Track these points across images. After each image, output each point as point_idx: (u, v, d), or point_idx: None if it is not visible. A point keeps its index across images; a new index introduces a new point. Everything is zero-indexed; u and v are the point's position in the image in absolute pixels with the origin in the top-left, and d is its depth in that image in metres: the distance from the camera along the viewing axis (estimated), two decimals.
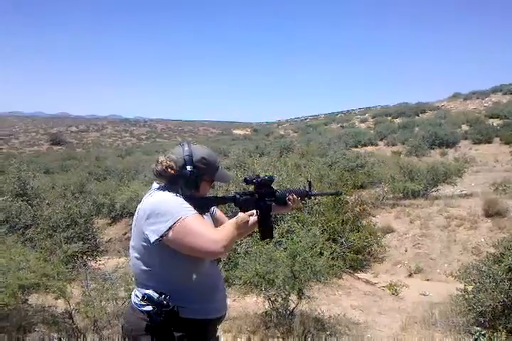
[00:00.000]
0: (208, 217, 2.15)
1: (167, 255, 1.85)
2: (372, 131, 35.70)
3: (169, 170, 1.92)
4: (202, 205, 2.00)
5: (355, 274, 7.95)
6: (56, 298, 4.50)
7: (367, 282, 7.66)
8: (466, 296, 4.78)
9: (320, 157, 17.29)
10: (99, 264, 6.28)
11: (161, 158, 1.96)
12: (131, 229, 2.01)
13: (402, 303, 6.39)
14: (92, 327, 4.44)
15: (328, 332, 4.67)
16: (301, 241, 4.83)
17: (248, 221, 1.97)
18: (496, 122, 30.48)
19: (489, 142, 25.06)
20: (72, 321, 4.40)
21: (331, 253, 5.19)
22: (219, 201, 2.18)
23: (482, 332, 3.86)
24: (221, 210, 2.34)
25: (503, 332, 3.93)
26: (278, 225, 6.14)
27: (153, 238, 1.81)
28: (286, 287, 4.58)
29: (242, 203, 2.05)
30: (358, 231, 8.38)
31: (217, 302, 2.00)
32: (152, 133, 74.98)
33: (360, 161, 15.71)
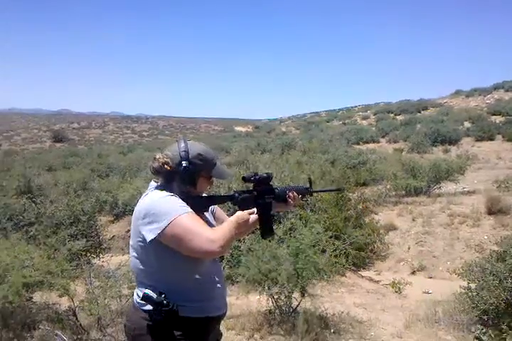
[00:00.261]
0: (209, 216, 2.16)
1: (164, 254, 1.85)
2: (374, 128, 35.63)
3: (165, 166, 1.92)
4: (200, 204, 2.00)
5: (358, 272, 7.95)
6: (60, 296, 4.53)
7: (370, 280, 7.66)
8: (470, 294, 4.77)
9: (322, 154, 17.27)
10: (103, 262, 6.29)
11: (158, 155, 1.97)
12: None
13: (405, 301, 6.39)
14: (96, 325, 4.46)
15: (331, 330, 4.68)
16: (303, 239, 4.83)
17: (248, 219, 1.97)
18: (498, 119, 30.41)
19: (491, 139, 24.99)
20: (76, 318, 4.42)
21: (333, 251, 5.19)
22: (217, 200, 2.18)
23: (483, 330, 3.86)
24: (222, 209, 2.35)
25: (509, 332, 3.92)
26: (280, 223, 6.14)
27: (149, 237, 1.81)
28: (289, 285, 4.58)
29: (240, 202, 2.05)
30: (361, 229, 8.38)
31: (217, 300, 2.01)
32: (154, 130, 74.97)
33: (362, 158, 15.70)
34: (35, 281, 4.07)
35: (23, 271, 4.05)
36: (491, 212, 9.56)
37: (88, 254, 6.79)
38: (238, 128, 67.64)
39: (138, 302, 1.93)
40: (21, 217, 7.29)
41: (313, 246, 4.81)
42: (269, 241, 4.89)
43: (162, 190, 1.93)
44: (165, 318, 1.82)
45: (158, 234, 1.79)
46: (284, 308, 4.88)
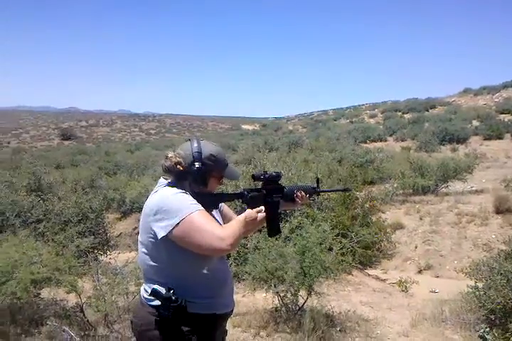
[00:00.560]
0: (217, 214, 2.17)
1: (174, 250, 1.86)
2: (381, 127, 35.49)
3: (178, 166, 1.93)
4: (210, 202, 2.01)
5: (365, 270, 7.94)
6: (67, 292, 4.56)
7: (376, 278, 7.65)
8: (477, 293, 4.75)
9: (329, 152, 17.24)
10: (110, 259, 6.32)
11: (170, 154, 1.97)
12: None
13: (411, 300, 6.37)
14: (103, 321, 4.50)
15: (337, 328, 4.68)
16: (310, 237, 4.83)
17: (256, 218, 1.97)
18: (507, 118, 30.19)
19: (500, 138, 24.80)
20: (84, 315, 4.46)
21: (340, 249, 5.19)
22: (227, 197, 2.18)
23: (487, 329, 3.84)
24: (229, 206, 2.35)
25: None
26: (288, 221, 6.14)
27: (160, 234, 1.82)
28: (296, 283, 4.58)
29: (249, 200, 2.05)
30: (368, 227, 8.37)
31: (225, 298, 2.02)
32: (161, 128, 75.19)
33: (369, 157, 15.65)
34: (43, 278, 4.11)
35: (31, 267, 4.08)
36: (499, 211, 9.50)
37: (96, 251, 6.83)
38: (245, 127, 67.65)
39: (145, 298, 1.94)
40: (29, 214, 7.34)
41: (320, 244, 4.81)
42: (276, 239, 4.90)
43: (173, 187, 1.94)
44: (173, 314, 1.83)
45: (170, 230, 1.80)
46: (290, 306, 4.89)
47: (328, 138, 27.23)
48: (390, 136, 31.24)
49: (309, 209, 7.39)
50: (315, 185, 2.40)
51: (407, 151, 20.90)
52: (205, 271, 1.93)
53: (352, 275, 6.97)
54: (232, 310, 2.09)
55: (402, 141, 27.93)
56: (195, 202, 1.87)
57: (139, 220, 2.05)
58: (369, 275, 7.76)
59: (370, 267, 8.41)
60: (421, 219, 10.03)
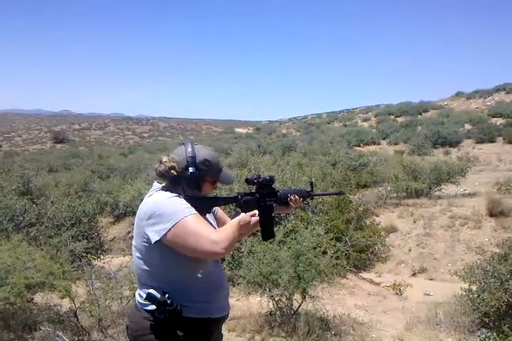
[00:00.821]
0: (211, 217, 2.17)
1: (168, 255, 1.85)
2: (374, 130, 35.61)
3: (172, 170, 1.93)
4: (204, 206, 2.01)
5: (359, 274, 7.95)
6: (61, 297, 4.52)
7: (371, 282, 7.66)
8: (471, 296, 4.78)
9: (323, 156, 17.26)
10: (103, 263, 6.29)
11: (164, 159, 1.97)
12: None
13: (406, 303, 6.39)
14: (97, 326, 4.47)
15: (332, 332, 4.68)
16: (304, 241, 4.83)
17: (250, 221, 1.98)
18: (498, 121, 30.41)
19: (492, 141, 25.00)
20: (77, 320, 4.43)
21: (334, 252, 5.20)
22: (221, 201, 2.18)
23: (488, 334, 3.86)
24: (224, 210, 2.35)
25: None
26: (281, 224, 6.14)
27: (154, 238, 1.82)
28: (290, 286, 4.58)
29: (243, 204, 2.06)
30: (362, 231, 8.39)
31: (220, 302, 2.01)
32: (155, 131, 75.09)
33: (363, 160, 15.68)
34: (36, 282, 4.07)
35: (25, 272, 4.05)
36: (491, 214, 9.56)
37: (89, 255, 6.79)
38: (239, 130, 67.64)
39: (140, 303, 1.93)
40: (22, 218, 7.29)
41: (314, 248, 4.81)
42: (270, 243, 4.90)
43: (167, 191, 1.94)
44: (168, 318, 1.82)
45: (164, 234, 1.80)
46: (284, 310, 4.88)
47: (321, 142, 27.27)
48: (383, 139, 31.35)
49: (303, 213, 7.40)
50: (309, 189, 2.41)
51: (400, 155, 20.97)
52: (199, 275, 1.93)
53: (346, 278, 6.97)
54: (227, 314, 2.09)
55: (395, 144, 28.04)
56: (189, 205, 1.87)
57: (132, 224, 2.04)
58: (363, 278, 7.77)
59: (365, 270, 8.42)
60: (414, 222, 10.07)
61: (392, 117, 44.35)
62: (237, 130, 68.74)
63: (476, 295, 4.69)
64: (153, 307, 1.85)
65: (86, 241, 6.81)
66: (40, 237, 6.73)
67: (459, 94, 51.56)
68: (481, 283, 4.75)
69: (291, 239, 5.03)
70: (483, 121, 30.73)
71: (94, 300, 4.25)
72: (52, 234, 6.80)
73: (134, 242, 1.97)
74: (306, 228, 5.48)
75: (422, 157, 19.81)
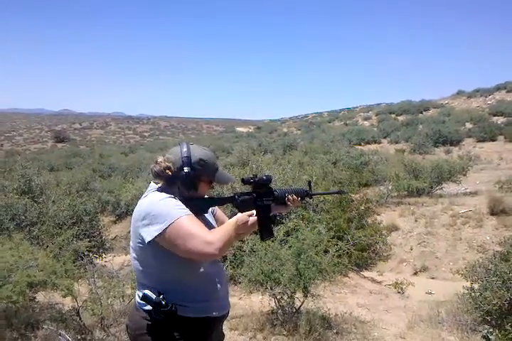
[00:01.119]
0: (210, 217, 2.16)
1: (162, 255, 1.86)
2: (375, 129, 35.63)
3: (167, 171, 1.92)
4: (200, 206, 2.00)
5: (361, 272, 7.95)
6: (63, 296, 4.53)
7: (372, 280, 7.66)
8: (473, 294, 4.76)
9: (324, 154, 17.27)
10: (105, 262, 6.30)
11: (160, 159, 1.96)
12: None
13: (407, 302, 6.39)
14: (99, 325, 4.47)
15: (334, 331, 4.68)
16: (305, 239, 4.83)
17: (247, 221, 1.96)
18: (499, 120, 30.40)
19: (493, 140, 25.00)
20: (80, 318, 4.43)
21: (336, 251, 5.19)
22: (217, 202, 2.17)
23: (490, 330, 3.86)
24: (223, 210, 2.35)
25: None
26: (283, 223, 6.14)
27: (148, 239, 1.82)
28: (292, 285, 4.58)
29: (240, 204, 2.05)
30: (364, 229, 8.38)
31: (217, 301, 2.01)
32: (155, 130, 75.14)
33: (364, 159, 15.68)
34: (39, 281, 4.08)
35: (27, 271, 4.06)
36: (493, 212, 9.55)
37: (91, 254, 6.80)
38: (240, 129, 67.66)
39: (139, 303, 1.94)
40: (23, 217, 7.30)
41: (316, 246, 4.81)
42: (272, 241, 4.90)
43: (162, 191, 1.94)
44: (164, 318, 1.83)
45: (157, 235, 1.80)
46: (286, 309, 4.88)
47: (322, 141, 27.28)
48: (384, 138, 31.37)
49: (305, 212, 7.40)
50: (307, 188, 2.39)
51: (401, 153, 20.97)
52: (195, 275, 1.93)
53: (348, 277, 6.97)
54: (227, 314, 2.09)
55: (396, 143, 28.05)
56: (183, 206, 1.87)
57: None
58: (365, 277, 7.77)
59: (366, 269, 8.42)
60: (416, 221, 10.07)
61: (393, 116, 44.36)
62: (238, 129, 68.77)
63: (478, 294, 4.68)
64: (150, 307, 1.86)
65: (87, 239, 6.82)
66: (42, 236, 6.74)
67: (460, 93, 51.53)
68: (482, 281, 4.74)
69: (293, 237, 5.03)
70: (484, 119, 30.73)
71: (97, 299, 4.25)
72: (54, 232, 6.81)
73: (131, 243, 1.97)
74: (307, 226, 5.48)
75: (423, 156, 19.82)
